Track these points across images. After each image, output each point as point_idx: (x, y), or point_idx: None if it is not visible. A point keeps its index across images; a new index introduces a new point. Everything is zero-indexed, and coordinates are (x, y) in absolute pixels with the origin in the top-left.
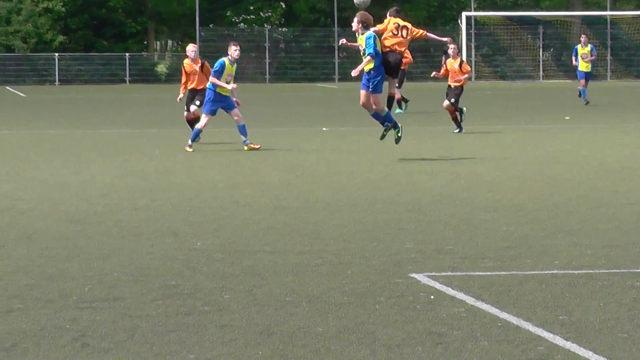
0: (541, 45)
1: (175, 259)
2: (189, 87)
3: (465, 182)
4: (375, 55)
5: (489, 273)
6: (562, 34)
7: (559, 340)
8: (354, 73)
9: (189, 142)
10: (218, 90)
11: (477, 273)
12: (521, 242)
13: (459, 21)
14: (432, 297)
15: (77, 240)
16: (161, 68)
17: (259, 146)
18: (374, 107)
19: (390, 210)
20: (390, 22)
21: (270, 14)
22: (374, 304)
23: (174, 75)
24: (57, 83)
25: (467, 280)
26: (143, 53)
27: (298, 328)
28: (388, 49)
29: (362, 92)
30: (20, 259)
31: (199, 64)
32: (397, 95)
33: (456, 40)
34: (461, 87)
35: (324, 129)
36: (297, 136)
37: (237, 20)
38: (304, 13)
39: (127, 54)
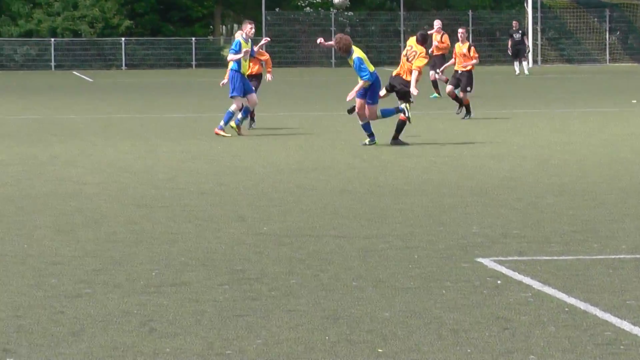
0: (607, 29)
1: (242, 243)
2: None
3: (531, 166)
4: (370, 77)
5: (555, 258)
6: (629, 17)
7: (626, 325)
8: (349, 98)
9: (221, 124)
10: (242, 70)
11: (544, 257)
12: (588, 227)
13: (525, 4)
14: (499, 282)
15: (144, 224)
16: (227, 52)
17: (229, 135)
18: (367, 117)
19: (456, 195)
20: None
21: None
22: (441, 289)
23: None
24: (123, 67)
25: (534, 265)
26: (209, 37)
27: (364, 313)
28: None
29: (358, 100)
30: (88, 244)
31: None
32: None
33: (522, 23)
34: (469, 72)
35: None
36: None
37: (303, 4)
38: None
39: (193, 39)
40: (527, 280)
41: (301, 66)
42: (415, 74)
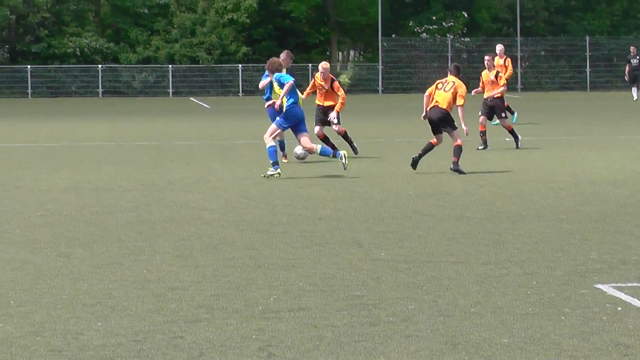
0: None
1: (359, 269)
2: (319, 103)
3: None
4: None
5: None
6: None
7: None
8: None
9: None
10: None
11: None
12: None
13: None
14: (619, 308)
15: (262, 250)
16: (344, 78)
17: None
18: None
19: (574, 221)
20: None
21: (452, 23)
22: (559, 315)
23: (356, 86)
24: (240, 94)
25: None
26: None
27: (483, 339)
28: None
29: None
30: (206, 269)
31: (329, 82)
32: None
33: None
34: (499, 99)
35: (507, 139)
36: (479, 144)
37: (420, 30)
38: (486, 22)
39: (309, 65)
40: None
41: (417, 92)
42: (461, 110)
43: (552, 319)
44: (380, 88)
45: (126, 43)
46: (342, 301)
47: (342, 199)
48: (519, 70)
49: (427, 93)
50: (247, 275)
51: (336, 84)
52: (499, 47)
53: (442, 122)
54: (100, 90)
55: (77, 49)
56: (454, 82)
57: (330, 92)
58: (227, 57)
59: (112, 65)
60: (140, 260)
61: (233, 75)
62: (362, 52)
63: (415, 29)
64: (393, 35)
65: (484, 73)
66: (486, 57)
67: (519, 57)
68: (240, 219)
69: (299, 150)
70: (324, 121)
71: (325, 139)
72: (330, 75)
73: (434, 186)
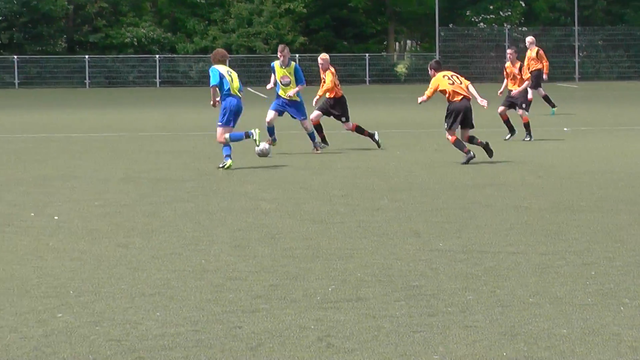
0: None
1: (418, 259)
2: (329, 96)
3: None
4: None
5: None
6: None
7: None
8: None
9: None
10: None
11: None
12: None
13: None
14: None
15: (319, 240)
16: (401, 68)
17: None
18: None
19: (633, 212)
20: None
21: (509, 13)
22: (619, 305)
23: (413, 75)
24: None
25: None
26: (383, 53)
27: (542, 329)
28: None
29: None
30: (264, 259)
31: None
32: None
33: None
34: (523, 91)
35: (565, 129)
36: (538, 135)
37: (477, 20)
38: (544, 12)
39: (367, 55)
40: None
41: (475, 82)
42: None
43: (612, 310)
44: None
45: (183, 33)
46: (400, 291)
47: (400, 190)
48: (576, 60)
49: (441, 88)
50: (305, 266)
51: (329, 72)
52: (528, 39)
53: (470, 112)
54: (157, 80)
55: (135, 39)
56: (453, 74)
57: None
58: None
59: (170, 55)
60: (199, 250)
61: None
62: (419, 42)
63: (472, 19)
64: (450, 25)
65: (508, 66)
66: (508, 50)
67: (576, 46)
68: (297, 209)
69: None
70: (324, 110)
71: (318, 127)
72: (328, 66)
73: (491, 177)
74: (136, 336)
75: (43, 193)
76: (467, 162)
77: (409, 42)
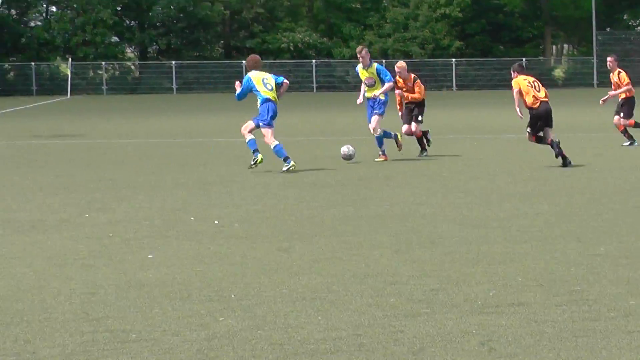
0: None
1: (579, 264)
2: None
3: None
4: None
5: None
6: None
7: None
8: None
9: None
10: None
11: None
12: None
13: None
14: None
15: (480, 244)
16: (558, 72)
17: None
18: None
19: None
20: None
21: None
22: None
23: (570, 79)
24: (454, 88)
25: None
26: (540, 57)
27: None
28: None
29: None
30: (425, 264)
31: (411, 80)
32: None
33: None
34: (628, 98)
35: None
36: None
37: (635, 24)
38: None
39: (523, 59)
40: None
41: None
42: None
43: None
44: (595, 82)
45: (339, 38)
46: (561, 296)
47: (559, 194)
48: None
49: (516, 89)
50: (465, 270)
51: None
52: (609, 60)
53: (550, 115)
54: (314, 85)
55: (291, 44)
56: (535, 80)
57: (411, 89)
58: (440, 51)
59: (326, 60)
60: (359, 254)
61: (447, 70)
62: (576, 46)
63: (630, 22)
64: (607, 29)
65: (611, 75)
66: (609, 58)
67: None
68: (457, 214)
69: (344, 150)
70: (409, 119)
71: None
72: (409, 73)
73: None
74: (298, 340)
75: (203, 197)
76: (557, 155)
77: (565, 46)
